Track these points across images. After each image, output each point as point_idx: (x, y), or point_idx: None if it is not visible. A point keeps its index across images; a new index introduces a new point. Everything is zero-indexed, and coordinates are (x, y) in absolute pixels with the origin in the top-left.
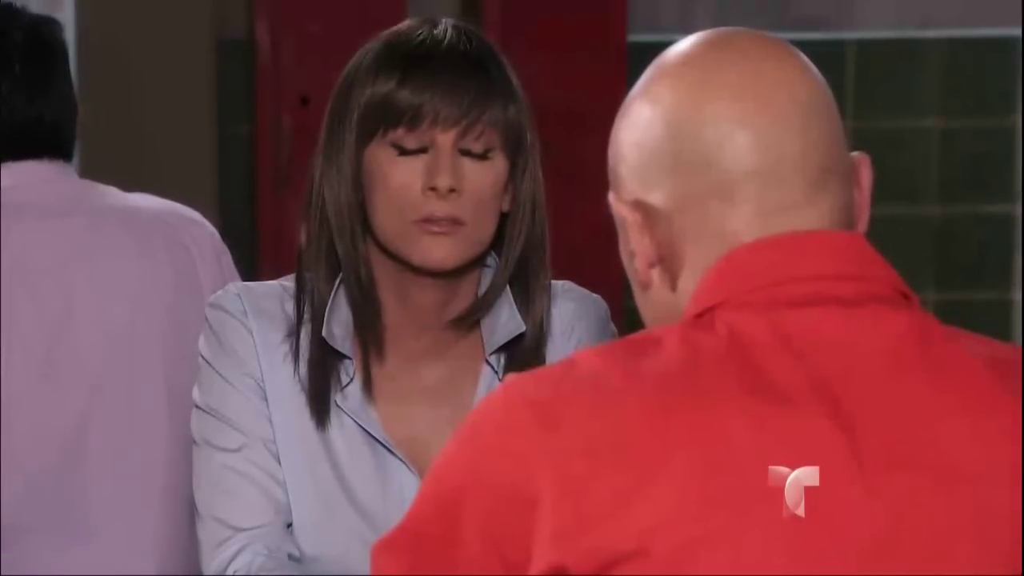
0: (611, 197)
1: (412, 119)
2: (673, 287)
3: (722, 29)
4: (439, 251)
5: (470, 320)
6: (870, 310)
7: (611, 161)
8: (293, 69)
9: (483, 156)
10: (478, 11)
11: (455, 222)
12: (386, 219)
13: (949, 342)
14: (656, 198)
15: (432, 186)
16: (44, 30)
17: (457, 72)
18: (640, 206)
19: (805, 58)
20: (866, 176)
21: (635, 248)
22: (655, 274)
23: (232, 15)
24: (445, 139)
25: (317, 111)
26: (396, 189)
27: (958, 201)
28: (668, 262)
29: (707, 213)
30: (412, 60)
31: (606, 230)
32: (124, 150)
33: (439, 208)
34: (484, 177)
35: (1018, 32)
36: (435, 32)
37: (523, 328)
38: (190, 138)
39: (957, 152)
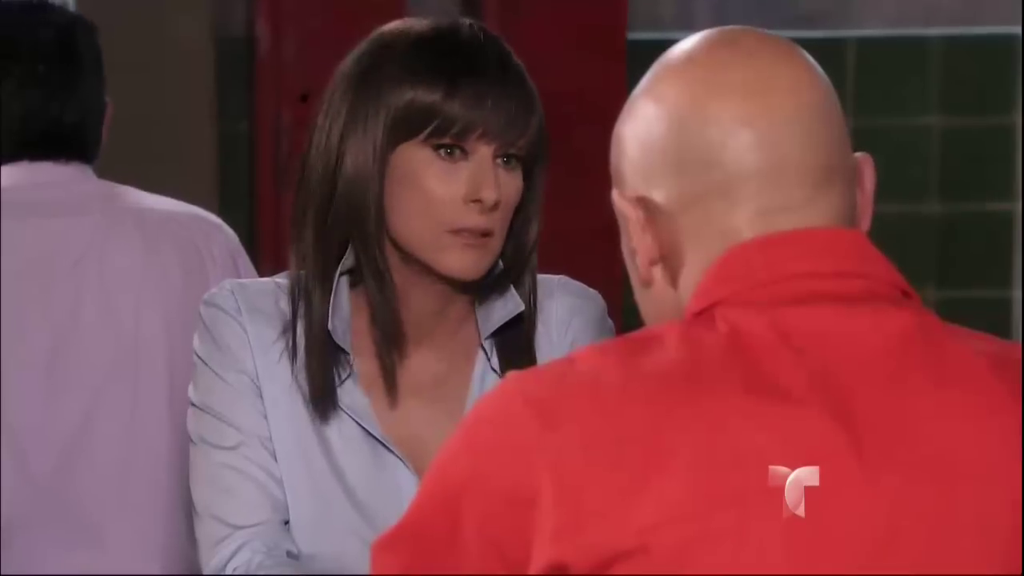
0: (614, 194)
1: (461, 133)
2: (674, 285)
3: (727, 28)
4: (468, 263)
5: (482, 299)
6: (871, 308)
7: (613, 158)
8: (293, 66)
9: (512, 167)
10: (478, 8)
11: (487, 235)
12: (415, 224)
13: (950, 340)
14: (658, 196)
15: (476, 198)
16: (75, 30)
17: (505, 86)
18: (642, 203)
19: (810, 58)
20: (869, 177)
21: (637, 245)
22: (656, 272)
23: (232, 12)
24: (488, 151)
25: (317, 107)
26: (434, 196)
27: (958, 199)
28: (670, 260)
29: (709, 212)
30: (459, 70)
31: (605, 227)
32: (124, 147)
33: (478, 221)
34: (513, 187)
35: (1018, 30)
36: (472, 39)
37: (522, 307)
38: (190, 134)
39: (957, 150)
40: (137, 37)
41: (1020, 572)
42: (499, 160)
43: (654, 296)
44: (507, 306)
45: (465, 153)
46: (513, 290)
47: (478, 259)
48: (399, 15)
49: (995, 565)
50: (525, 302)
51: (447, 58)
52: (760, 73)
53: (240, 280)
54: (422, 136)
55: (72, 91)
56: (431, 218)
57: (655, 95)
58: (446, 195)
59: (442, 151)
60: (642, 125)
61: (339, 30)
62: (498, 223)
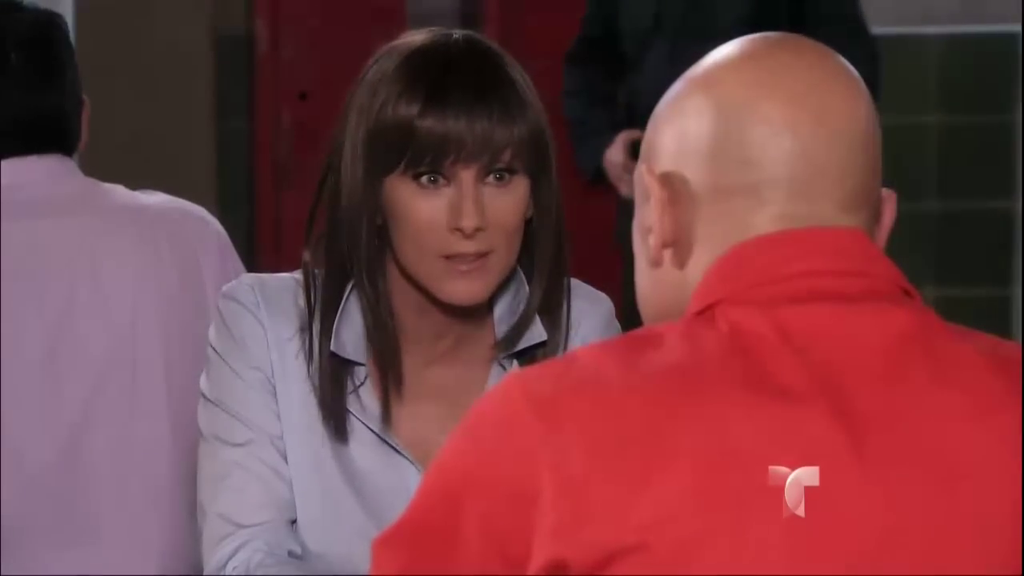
0: (641, 168)
1: (435, 158)
2: (682, 270)
3: (791, 35)
4: (466, 290)
5: (510, 347)
6: (872, 306)
7: (650, 134)
8: (292, 65)
9: (506, 181)
10: (477, 9)
11: (482, 256)
12: (410, 253)
13: (950, 339)
14: (688, 181)
15: (457, 227)
16: (46, 24)
17: (479, 104)
18: (669, 183)
19: (863, 84)
20: (889, 213)
21: (654, 224)
22: (667, 255)
23: (231, 11)
24: (468, 174)
25: (316, 106)
26: (420, 225)
27: (958, 197)
28: (683, 244)
29: (734, 206)
30: (433, 92)
31: (606, 230)
32: (124, 145)
33: (465, 246)
34: (508, 204)
35: (1018, 28)
36: (452, 52)
37: (544, 337)
38: (189, 133)
39: (957, 148)
40: (137, 37)
41: (1020, 571)
42: (490, 177)
43: (658, 277)
44: (531, 333)
45: (448, 179)
46: (538, 319)
47: (476, 284)
48: (398, 15)
49: (994, 564)
50: (556, 326)
51: (422, 81)
52: (817, 86)
53: (260, 275)
54: (401, 167)
55: (49, 82)
56: (422, 247)
57: (707, 83)
58: (431, 224)
59: (423, 179)
60: (689, 109)
61: (338, 30)
62: (495, 242)
